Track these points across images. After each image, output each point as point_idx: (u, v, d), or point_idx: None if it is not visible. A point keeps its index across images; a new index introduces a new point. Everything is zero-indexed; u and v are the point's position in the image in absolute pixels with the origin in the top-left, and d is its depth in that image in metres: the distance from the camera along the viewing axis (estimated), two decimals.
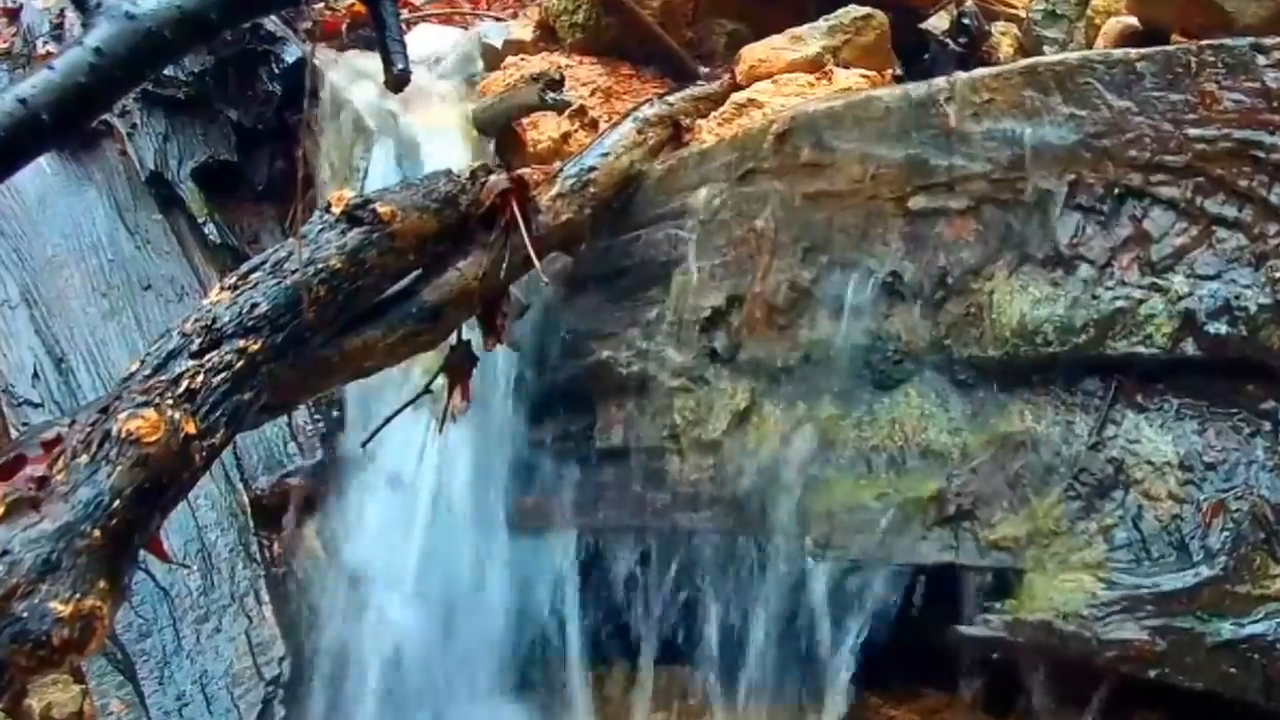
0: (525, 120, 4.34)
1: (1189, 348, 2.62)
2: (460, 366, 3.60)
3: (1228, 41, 2.66)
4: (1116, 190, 2.74)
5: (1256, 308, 2.55)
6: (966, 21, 3.96)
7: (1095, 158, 2.77)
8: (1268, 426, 2.57)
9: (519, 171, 3.73)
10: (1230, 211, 2.61)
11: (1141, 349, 2.66)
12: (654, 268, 3.68)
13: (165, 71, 4.70)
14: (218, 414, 2.71)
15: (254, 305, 2.87)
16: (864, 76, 3.86)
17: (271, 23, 4.82)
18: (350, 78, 4.76)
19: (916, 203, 3.06)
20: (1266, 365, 2.56)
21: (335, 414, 4.54)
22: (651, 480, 3.61)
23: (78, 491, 2.44)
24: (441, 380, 3.63)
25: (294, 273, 2.96)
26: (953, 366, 2.99)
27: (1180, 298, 2.63)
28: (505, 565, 4.10)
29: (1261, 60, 2.60)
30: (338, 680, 4.13)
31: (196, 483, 2.73)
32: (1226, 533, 2.56)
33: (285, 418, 4.39)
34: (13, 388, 4.44)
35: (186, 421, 2.61)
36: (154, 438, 2.53)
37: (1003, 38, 3.98)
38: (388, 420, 3.67)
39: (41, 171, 4.80)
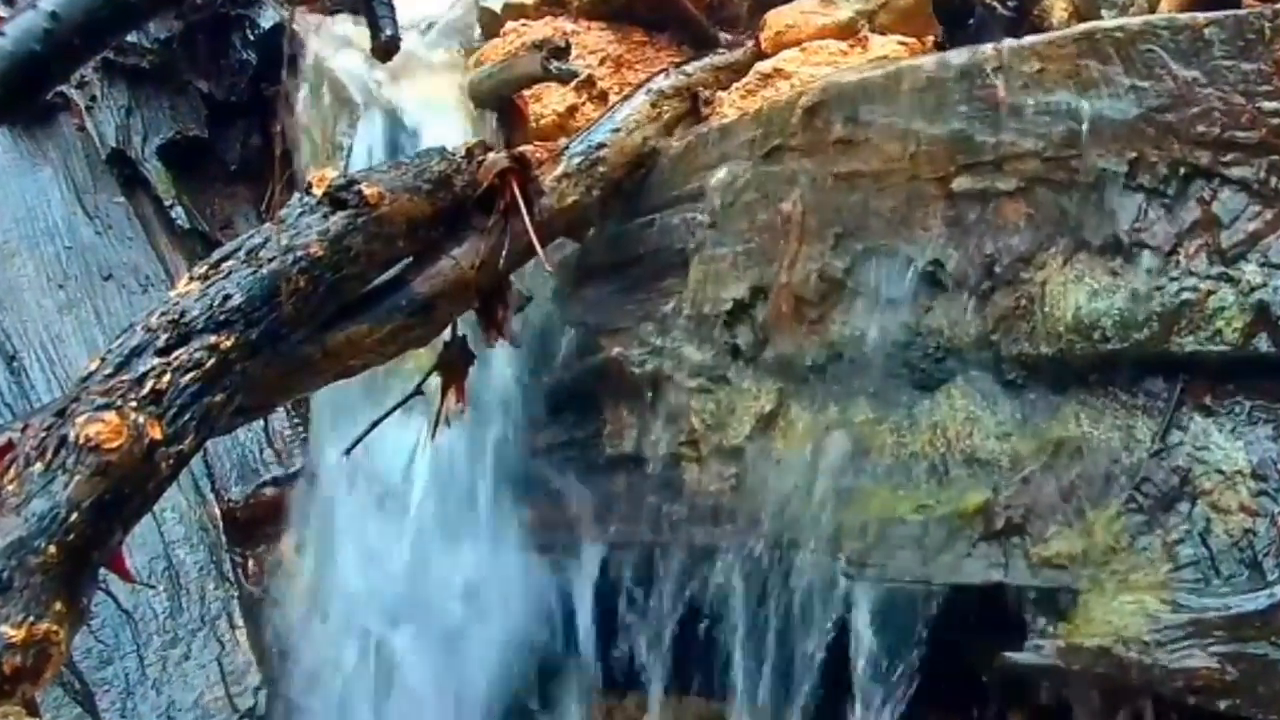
0: (527, 92, 4.35)
1: (1262, 344, 2.62)
2: (455, 365, 3.61)
3: None
4: (1182, 170, 2.74)
5: None
6: None
7: (1159, 134, 2.77)
8: None
9: (520, 149, 3.74)
10: None
11: (1210, 345, 2.67)
12: (670, 256, 3.69)
13: (128, 38, 4.71)
14: (186, 417, 2.71)
15: (227, 297, 2.87)
16: (902, 44, 3.86)
17: None
18: (333, 45, 4.77)
19: (961, 184, 3.06)
20: None
21: (316, 418, 4.54)
22: (667, 491, 3.62)
23: (31, 503, 2.44)
24: (435, 380, 3.63)
25: (271, 261, 2.96)
26: (1001, 365, 2.99)
27: (1253, 289, 2.63)
28: (505, 584, 4.11)
29: None
30: (318, 713, 4.14)
31: (163, 494, 2.73)
32: None
33: (261, 422, 4.40)
34: None
35: (152, 426, 2.61)
36: (115, 444, 2.53)
37: (1056, 1, 3.98)
38: (375, 424, 3.68)
39: None
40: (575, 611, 3.91)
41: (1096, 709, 2.83)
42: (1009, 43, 3.05)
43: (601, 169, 3.77)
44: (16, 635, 2.33)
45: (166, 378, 2.70)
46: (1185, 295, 2.70)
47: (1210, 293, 2.67)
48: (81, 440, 2.52)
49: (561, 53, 4.14)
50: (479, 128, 4.38)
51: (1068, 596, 2.80)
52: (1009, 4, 3.84)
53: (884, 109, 3.21)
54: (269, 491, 4.45)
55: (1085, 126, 2.86)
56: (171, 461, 2.66)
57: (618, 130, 3.85)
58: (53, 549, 2.42)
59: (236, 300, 2.87)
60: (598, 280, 3.92)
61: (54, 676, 2.49)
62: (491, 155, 3.52)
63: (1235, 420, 2.67)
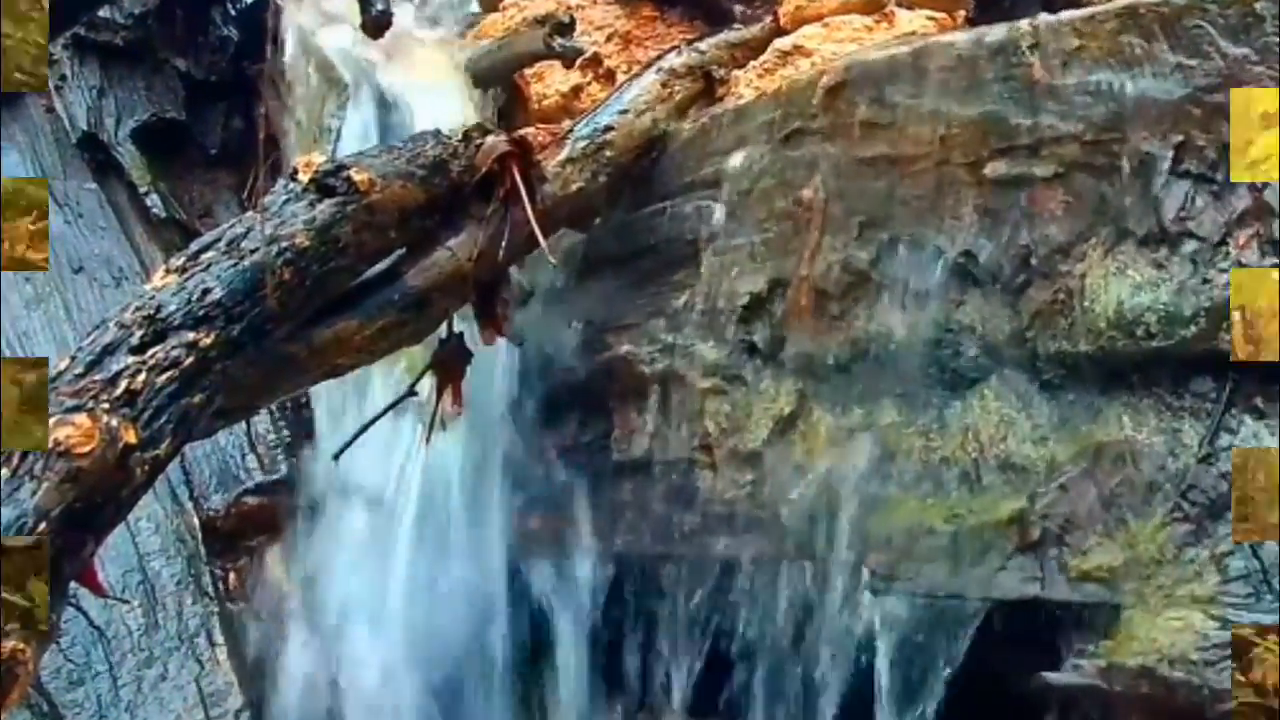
0: (528, 71, 4.35)
1: None
2: (451, 363, 3.61)
3: None
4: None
5: None
6: None
7: (1206, 115, 2.76)
8: None
9: (521, 132, 3.74)
10: None
11: None
12: (681, 247, 3.69)
13: (100, 13, 4.72)
14: (163, 420, 2.71)
15: (206, 291, 2.87)
16: (931, 19, 3.86)
17: None
18: (321, 20, 4.77)
19: (994, 169, 3.06)
20: None
21: (302, 420, 4.54)
22: (679, 499, 3.62)
23: None
24: (429, 380, 3.64)
25: (254, 252, 2.97)
26: (1037, 364, 2.99)
27: None
28: (505, 599, 4.11)
29: None
30: None
31: (137, 502, 2.74)
32: None
33: (243, 425, 4.40)
34: None
35: (126, 429, 2.62)
36: (87, 449, 2.53)
37: None
38: (365, 427, 3.69)
39: None
40: (580, 626, 3.91)
41: None
42: (1046, 18, 3.05)
43: (608, 153, 3.77)
44: None
45: (141, 377, 2.70)
46: None
47: None
48: (50, 444, 2.52)
49: (565, 29, 4.14)
50: (477, 109, 4.38)
51: (1109, 612, 2.79)
52: None
53: (912, 89, 3.21)
54: (251, 500, 4.44)
55: (1128, 108, 2.86)
56: (147, 467, 2.67)
57: (626, 112, 3.85)
58: None
59: (217, 294, 2.87)
60: (604, 273, 3.92)
61: (21, 698, 2.50)
62: (490, 139, 3.52)
63: None
